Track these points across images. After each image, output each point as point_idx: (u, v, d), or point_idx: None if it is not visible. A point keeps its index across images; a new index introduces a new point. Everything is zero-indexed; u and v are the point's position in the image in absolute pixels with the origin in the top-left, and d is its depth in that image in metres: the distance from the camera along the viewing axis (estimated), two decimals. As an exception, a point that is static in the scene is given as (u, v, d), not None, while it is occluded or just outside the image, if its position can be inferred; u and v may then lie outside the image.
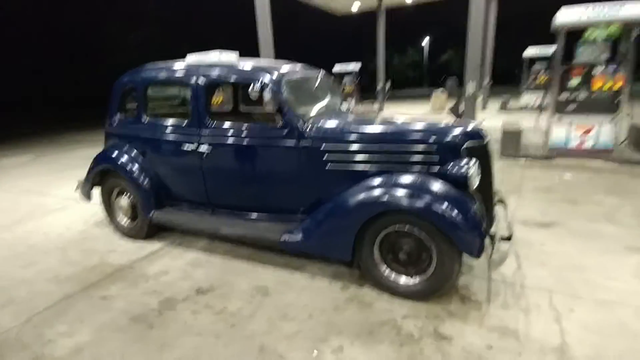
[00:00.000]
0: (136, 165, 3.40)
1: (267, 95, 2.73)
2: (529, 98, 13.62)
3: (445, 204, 2.24)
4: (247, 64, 3.05)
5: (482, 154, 2.65)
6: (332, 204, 2.63)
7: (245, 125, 2.94)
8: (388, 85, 17.77)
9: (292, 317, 2.39)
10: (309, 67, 3.49)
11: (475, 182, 2.38)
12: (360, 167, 2.67)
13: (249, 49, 6.97)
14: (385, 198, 2.36)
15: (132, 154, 3.45)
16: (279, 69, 2.97)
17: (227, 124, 3.00)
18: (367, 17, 17.99)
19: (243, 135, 2.92)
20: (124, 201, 3.62)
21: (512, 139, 6.55)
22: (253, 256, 3.21)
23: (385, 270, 2.54)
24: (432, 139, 2.55)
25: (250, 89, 2.68)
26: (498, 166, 6.05)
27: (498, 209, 2.99)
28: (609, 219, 3.69)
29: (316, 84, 3.32)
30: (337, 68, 18.17)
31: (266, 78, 2.80)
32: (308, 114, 2.87)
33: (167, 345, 2.18)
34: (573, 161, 5.99)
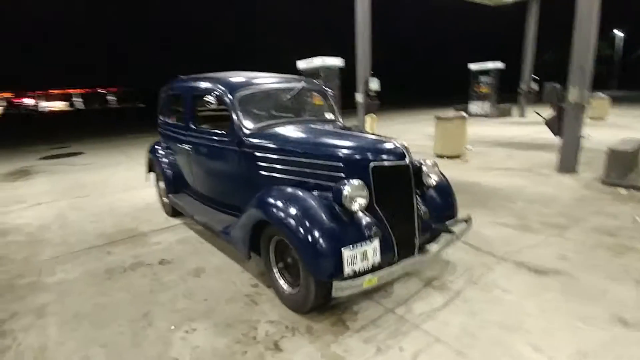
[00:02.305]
0: (164, 157, 4.35)
1: (222, 105, 3.20)
2: None
3: (301, 219, 2.25)
4: (222, 78, 3.47)
5: (396, 175, 2.48)
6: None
7: (211, 130, 3.45)
8: (534, 86, 15.33)
9: (192, 297, 2.80)
10: (291, 79, 3.70)
11: (353, 202, 2.28)
12: (282, 176, 2.85)
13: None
14: (260, 207, 2.52)
15: (164, 148, 4.41)
16: (239, 83, 3.32)
17: (200, 128, 3.60)
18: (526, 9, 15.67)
19: (208, 139, 3.44)
20: (162, 184, 4.62)
21: (618, 163, 5.08)
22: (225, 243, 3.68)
23: (276, 274, 2.68)
24: (339, 155, 2.55)
25: (207, 100, 3.17)
26: (580, 194, 4.84)
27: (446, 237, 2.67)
28: None
29: (289, 96, 3.54)
30: (474, 67, 16.70)
31: (224, 92, 3.22)
32: (256, 124, 3.16)
33: (102, 293, 2.91)
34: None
